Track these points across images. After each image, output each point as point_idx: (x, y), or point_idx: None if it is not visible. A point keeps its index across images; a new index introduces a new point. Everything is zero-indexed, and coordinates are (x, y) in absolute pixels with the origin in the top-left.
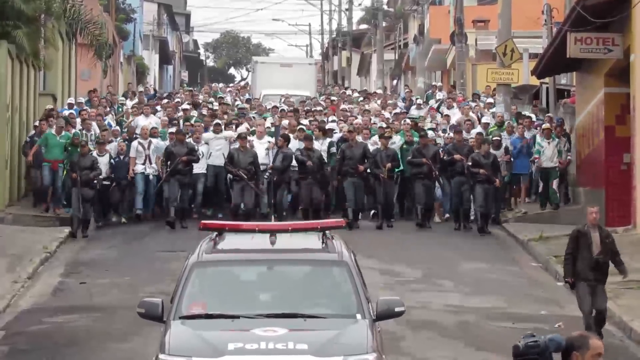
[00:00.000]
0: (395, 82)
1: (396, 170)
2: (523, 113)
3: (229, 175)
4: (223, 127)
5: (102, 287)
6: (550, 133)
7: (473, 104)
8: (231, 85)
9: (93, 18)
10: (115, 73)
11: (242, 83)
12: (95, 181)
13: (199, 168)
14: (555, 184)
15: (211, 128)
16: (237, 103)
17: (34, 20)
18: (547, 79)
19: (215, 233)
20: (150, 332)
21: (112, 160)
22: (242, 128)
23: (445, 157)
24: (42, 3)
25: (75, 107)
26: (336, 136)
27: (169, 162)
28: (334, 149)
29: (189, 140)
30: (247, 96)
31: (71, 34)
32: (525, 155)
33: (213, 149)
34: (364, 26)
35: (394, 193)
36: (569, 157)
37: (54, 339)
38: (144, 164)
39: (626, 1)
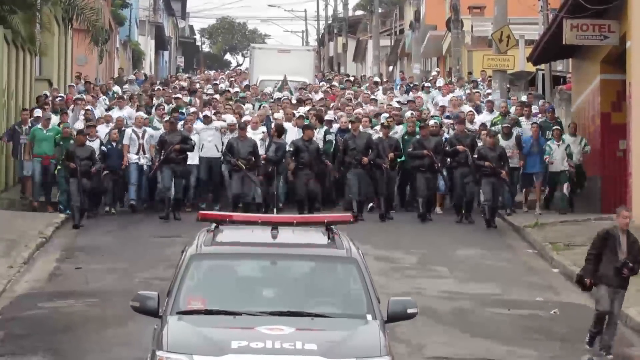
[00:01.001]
0: (391, 68)
1: (398, 160)
2: (522, 100)
3: (227, 165)
4: (213, 116)
5: (98, 272)
6: (560, 135)
7: (467, 92)
8: (228, 71)
9: (89, 3)
10: (111, 58)
11: (240, 69)
12: (95, 173)
13: (190, 159)
14: (565, 188)
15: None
16: (235, 90)
17: (30, 5)
18: (543, 66)
19: (214, 224)
20: (146, 318)
21: (103, 147)
22: (231, 118)
23: (447, 148)
24: None
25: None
26: (335, 126)
27: (162, 151)
28: (330, 137)
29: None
30: (245, 82)
31: (67, 20)
32: (537, 153)
33: (205, 140)
34: (359, 12)
35: (394, 184)
36: (579, 158)
37: (49, 324)
38: (137, 153)
39: None
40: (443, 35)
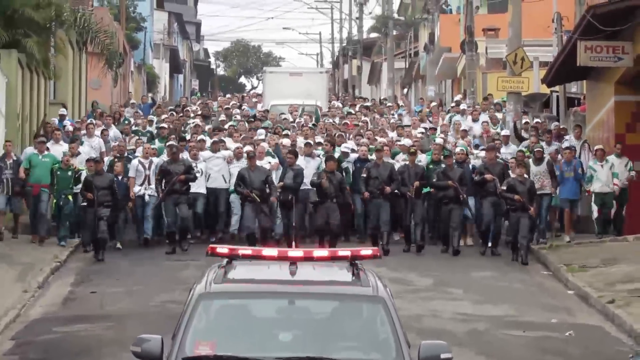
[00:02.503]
0: (405, 90)
1: (424, 190)
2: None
3: (234, 197)
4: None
5: (113, 296)
6: (603, 155)
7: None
8: (244, 94)
9: (103, 27)
10: (126, 82)
11: (255, 92)
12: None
13: (197, 187)
14: (613, 210)
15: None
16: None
17: (44, 29)
18: (557, 88)
19: (225, 260)
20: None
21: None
22: (233, 145)
23: (476, 177)
24: (52, 11)
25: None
26: (352, 156)
27: (163, 181)
28: (348, 166)
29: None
30: (259, 106)
31: (81, 43)
32: (573, 179)
33: (211, 170)
34: (374, 35)
35: (422, 214)
36: (627, 179)
37: (64, 348)
38: (142, 184)
39: (636, 9)
40: (457, 57)
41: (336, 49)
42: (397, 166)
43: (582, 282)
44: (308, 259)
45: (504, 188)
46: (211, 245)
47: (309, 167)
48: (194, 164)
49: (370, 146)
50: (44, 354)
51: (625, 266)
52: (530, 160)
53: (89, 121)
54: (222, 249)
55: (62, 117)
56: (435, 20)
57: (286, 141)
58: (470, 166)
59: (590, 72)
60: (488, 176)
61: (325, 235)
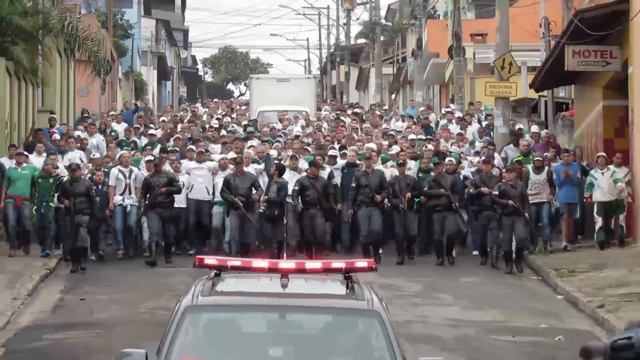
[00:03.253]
0: (393, 96)
1: (417, 200)
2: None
3: (216, 209)
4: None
5: (102, 303)
6: (605, 162)
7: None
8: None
9: (91, 34)
10: (114, 89)
11: (243, 99)
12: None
13: (178, 202)
14: (620, 218)
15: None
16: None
17: (31, 37)
18: (545, 92)
19: (213, 272)
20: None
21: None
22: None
23: (472, 190)
24: (40, 19)
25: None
26: (340, 162)
27: (147, 195)
28: (336, 180)
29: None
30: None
31: (69, 50)
32: (571, 183)
33: (195, 181)
34: (362, 40)
35: (414, 225)
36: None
37: (54, 355)
38: (122, 194)
39: (624, 14)
40: (445, 62)
41: (324, 55)
42: (387, 173)
43: (572, 287)
44: (300, 271)
45: (496, 193)
46: (198, 257)
47: (294, 180)
48: (176, 177)
49: (360, 152)
50: None
51: (615, 271)
52: (530, 168)
53: (77, 132)
54: (210, 260)
55: (52, 124)
56: (422, 25)
57: (273, 152)
58: (462, 176)
59: (578, 77)
60: (485, 190)
61: (310, 245)
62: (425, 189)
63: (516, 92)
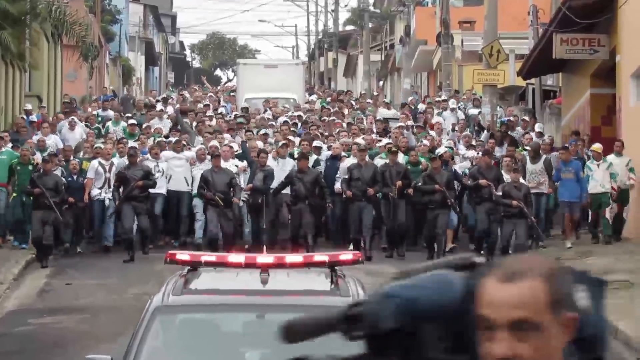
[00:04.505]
0: (381, 83)
1: (406, 189)
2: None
3: (197, 201)
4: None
5: (88, 288)
6: (600, 155)
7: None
8: (218, 87)
9: (79, 19)
10: (101, 74)
11: (230, 84)
12: (58, 205)
13: (157, 188)
14: (607, 212)
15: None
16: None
17: (19, 22)
18: (533, 80)
19: (187, 268)
20: None
21: (63, 179)
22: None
23: (470, 182)
24: (27, 4)
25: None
26: (324, 154)
27: (121, 187)
28: (320, 168)
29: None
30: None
31: (57, 35)
32: (573, 179)
33: (173, 170)
34: (350, 27)
35: (404, 216)
36: (626, 182)
37: (40, 340)
38: (101, 187)
39: (612, 2)
40: (433, 50)
41: (312, 42)
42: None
43: None
44: (279, 265)
45: (500, 194)
46: (170, 252)
47: (283, 169)
48: (154, 164)
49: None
50: (19, 345)
51: (600, 258)
52: (527, 158)
53: (55, 117)
54: (183, 255)
55: (28, 113)
56: (411, 12)
57: (259, 143)
58: (453, 169)
59: (566, 65)
60: (483, 181)
61: (298, 239)
62: (420, 184)
63: (504, 79)
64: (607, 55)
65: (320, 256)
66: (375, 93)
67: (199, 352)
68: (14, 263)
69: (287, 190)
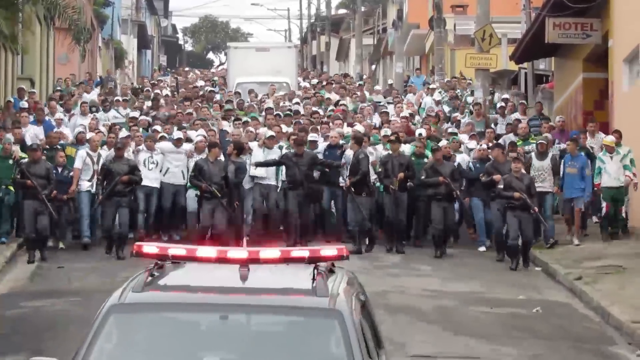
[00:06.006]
0: (373, 67)
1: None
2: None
3: (194, 192)
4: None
5: (80, 271)
6: (613, 149)
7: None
8: (212, 71)
9: (71, 2)
10: (94, 57)
11: (223, 68)
12: (50, 197)
13: (151, 181)
14: (624, 210)
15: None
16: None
17: (11, 4)
18: (525, 64)
19: (155, 261)
20: None
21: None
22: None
23: (484, 178)
24: None
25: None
26: (321, 147)
27: (105, 182)
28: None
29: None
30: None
31: (49, 18)
32: (578, 175)
33: (171, 164)
34: (342, 11)
35: (405, 209)
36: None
37: (32, 323)
38: (90, 180)
39: None
40: (426, 33)
41: (304, 25)
42: (378, 152)
43: (550, 259)
44: (253, 260)
45: (501, 186)
46: (137, 244)
47: (268, 157)
48: (149, 155)
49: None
50: (11, 328)
51: (593, 244)
52: (533, 154)
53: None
54: (151, 248)
55: (21, 95)
56: None
57: (237, 131)
58: (456, 163)
59: (558, 49)
60: (497, 177)
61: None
62: (423, 177)
63: (496, 63)
64: (600, 40)
65: (299, 251)
66: (364, 75)
67: (154, 356)
68: (6, 247)
69: (272, 181)
